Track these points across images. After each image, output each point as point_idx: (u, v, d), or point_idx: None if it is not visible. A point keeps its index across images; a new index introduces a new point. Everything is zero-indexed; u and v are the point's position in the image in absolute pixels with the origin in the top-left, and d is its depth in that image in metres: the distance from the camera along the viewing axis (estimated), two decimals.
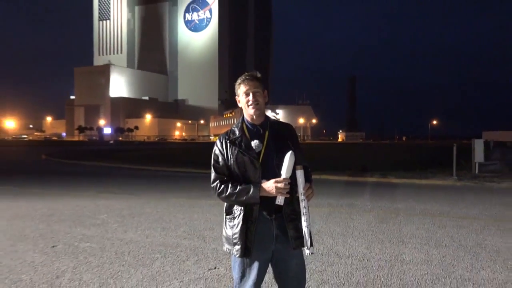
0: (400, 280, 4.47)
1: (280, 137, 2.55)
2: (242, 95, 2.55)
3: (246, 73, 2.58)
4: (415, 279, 4.51)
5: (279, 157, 2.42)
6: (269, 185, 2.37)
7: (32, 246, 5.85)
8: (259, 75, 2.59)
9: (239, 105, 2.60)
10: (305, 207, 2.38)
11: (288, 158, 2.35)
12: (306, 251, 2.39)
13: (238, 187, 2.42)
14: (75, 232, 6.65)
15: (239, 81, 2.57)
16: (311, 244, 2.38)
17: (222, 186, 2.47)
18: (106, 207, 9.10)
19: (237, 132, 2.56)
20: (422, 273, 4.68)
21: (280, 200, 2.36)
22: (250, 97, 2.52)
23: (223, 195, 2.46)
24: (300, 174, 2.37)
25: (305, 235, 2.38)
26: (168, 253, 5.48)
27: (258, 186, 2.39)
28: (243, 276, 2.50)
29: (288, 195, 2.38)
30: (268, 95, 2.78)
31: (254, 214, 2.45)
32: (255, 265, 2.47)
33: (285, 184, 2.34)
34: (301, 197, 2.38)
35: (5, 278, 4.52)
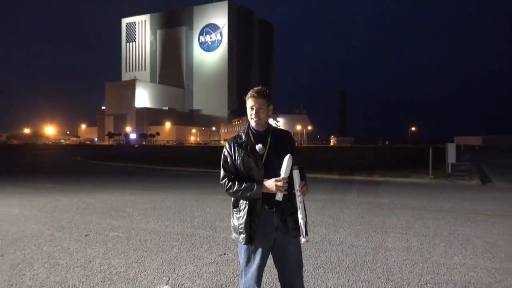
0: (384, 264, 4.45)
1: (280, 142, 2.54)
2: (248, 108, 2.52)
3: (255, 89, 2.50)
4: (397, 263, 4.48)
5: (279, 159, 2.40)
6: (270, 183, 2.36)
7: (68, 234, 5.86)
8: (266, 91, 2.52)
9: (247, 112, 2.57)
10: (300, 202, 2.37)
11: (286, 160, 2.34)
12: (302, 240, 2.37)
13: (244, 185, 2.41)
14: (105, 223, 6.67)
15: (248, 95, 2.52)
16: (306, 233, 2.37)
17: (230, 183, 2.46)
18: (131, 201, 9.12)
19: (243, 137, 2.54)
20: (403, 259, 4.65)
21: (279, 196, 2.36)
22: (253, 111, 2.50)
23: (231, 191, 2.46)
24: (296, 173, 2.36)
25: (301, 226, 2.37)
26: (184, 241, 5.48)
27: (260, 184, 2.39)
28: (248, 261, 2.49)
29: (286, 192, 2.37)
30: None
31: (257, 207, 2.44)
32: (259, 251, 2.47)
33: (283, 183, 2.33)
34: (297, 193, 2.37)
35: (45, 263, 4.54)
